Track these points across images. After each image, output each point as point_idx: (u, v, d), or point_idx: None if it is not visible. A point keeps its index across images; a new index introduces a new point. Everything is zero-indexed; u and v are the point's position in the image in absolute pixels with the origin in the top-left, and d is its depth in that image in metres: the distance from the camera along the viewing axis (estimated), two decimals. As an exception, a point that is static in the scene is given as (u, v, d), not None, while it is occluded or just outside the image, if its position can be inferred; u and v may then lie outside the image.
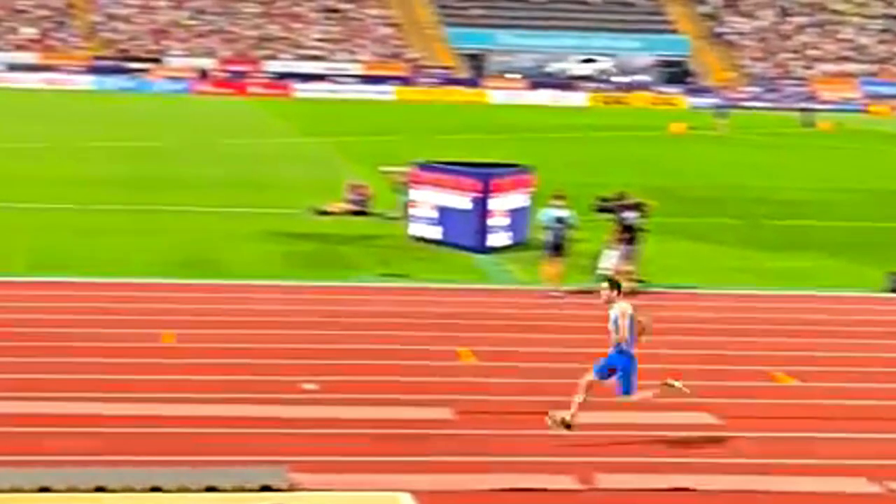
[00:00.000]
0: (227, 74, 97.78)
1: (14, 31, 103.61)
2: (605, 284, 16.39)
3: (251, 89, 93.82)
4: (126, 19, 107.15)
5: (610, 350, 16.01)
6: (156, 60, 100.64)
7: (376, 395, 17.94)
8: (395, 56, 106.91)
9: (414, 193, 31.41)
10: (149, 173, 43.10)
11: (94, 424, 16.26)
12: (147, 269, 26.56)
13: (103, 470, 14.29)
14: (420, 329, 22.14)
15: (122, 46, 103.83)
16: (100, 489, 13.74)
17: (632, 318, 15.86)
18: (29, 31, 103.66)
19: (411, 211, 31.52)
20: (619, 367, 15.90)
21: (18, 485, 13.74)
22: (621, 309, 15.90)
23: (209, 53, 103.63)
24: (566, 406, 15.98)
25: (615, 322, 15.85)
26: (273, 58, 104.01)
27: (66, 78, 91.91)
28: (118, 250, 28.70)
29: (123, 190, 38.52)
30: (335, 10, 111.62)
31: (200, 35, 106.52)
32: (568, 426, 15.90)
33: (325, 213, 34.82)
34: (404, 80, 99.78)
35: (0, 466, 14.36)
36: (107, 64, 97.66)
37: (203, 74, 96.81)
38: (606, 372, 15.96)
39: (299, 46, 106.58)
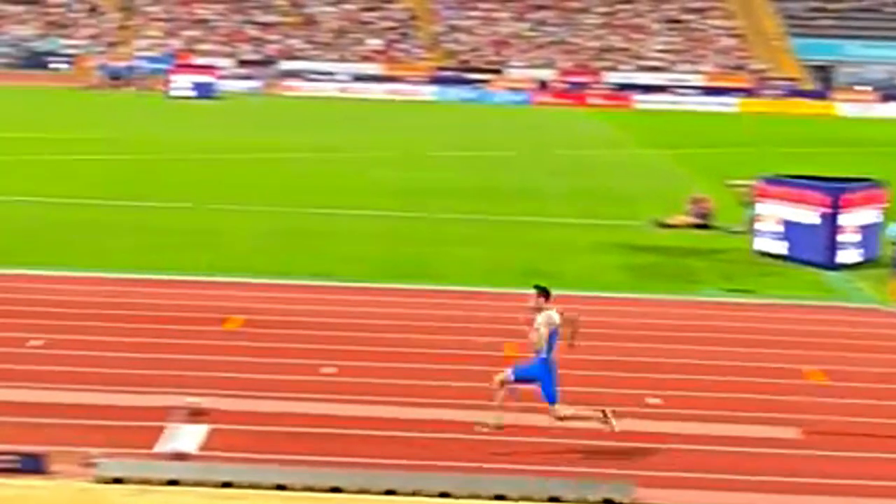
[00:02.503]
0: (567, 85, 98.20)
1: (360, 42, 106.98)
2: (534, 290, 15.95)
3: (591, 100, 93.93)
4: (468, 31, 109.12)
5: (532, 357, 15.77)
6: (496, 71, 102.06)
7: (719, 411, 17.59)
8: (739, 67, 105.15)
9: (760, 207, 30.78)
10: (490, 183, 43.59)
11: (401, 429, 16.50)
12: (486, 278, 26.83)
13: (418, 474, 14.55)
14: (766, 346, 21.59)
15: (463, 57, 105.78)
16: (416, 493, 13.96)
17: (556, 328, 15.62)
18: (374, 43, 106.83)
19: (756, 225, 30.86)
20: (538, 376, 15.66)
21: (311, 484, 14.09)
22: (547, 317, 15.66)
23: (549, 64, 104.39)
24: None
25: (537, 329, 15.61)
26: (613, 69, 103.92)
27: (410, 88, 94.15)
28: (464, 259, 29.11)
29: (465, 199, 39.07)
30: (677, 21, 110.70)
31: (541, 46, 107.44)
32: (500, 428, 15.82)
33: (666, 225, 34.43)
34: (748, 92, 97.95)
35: (296, 466, 14.71)
36: (449, 75, 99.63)
37: (543, 85, 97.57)
38: (524, 377, 15.78)
39: (640, 57, 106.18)
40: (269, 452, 15.30)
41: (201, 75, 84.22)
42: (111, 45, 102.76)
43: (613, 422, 15.90)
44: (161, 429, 15.84)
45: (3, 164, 42.86)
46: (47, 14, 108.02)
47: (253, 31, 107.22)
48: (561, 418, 15.93)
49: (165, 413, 16.25)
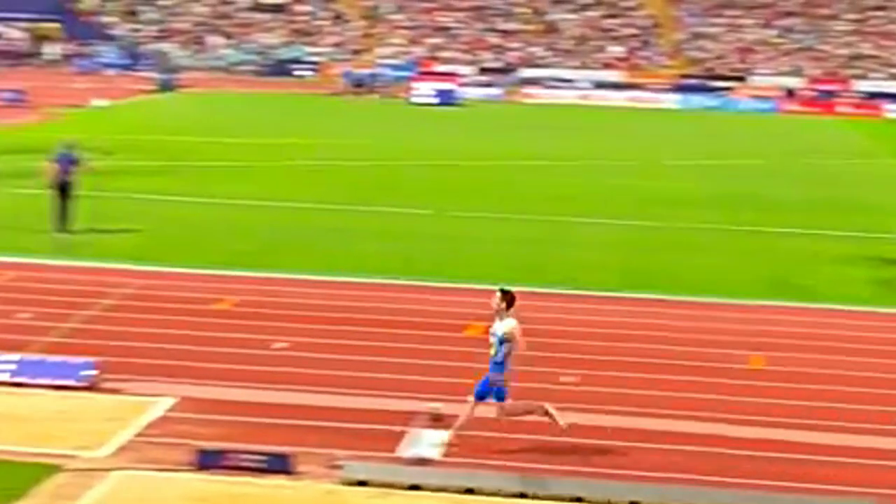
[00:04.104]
0: (815, 93, 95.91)
1: (601, 49, 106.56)
2: (498, 294, 15.35)
3: (839, 109, 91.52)
4: (713, 38, 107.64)
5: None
6: (740, 79, 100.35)
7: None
8: None
9: None
10: (735, 192, 42.81)
11: (680, 442, 16.25)
12: (734, 290, 26.31)
13: (688, 489, 14.18)
14: None
15: (707, 65, 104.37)
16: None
17: (511, 339, 15.14)
18: (616, 50, 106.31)
19: None
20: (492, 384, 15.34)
21: (556, 493, 14.03)
22: (507, 326, 15.17)
23: (796, 72, 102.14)
24: None
25: (495, 336, 15.19)
26: (863, 77, 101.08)
27: (651, 96, 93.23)
28: (706, 269, 28.66)
29: (706, 209, 38.46)
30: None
31: (788, 53, 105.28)
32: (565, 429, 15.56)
33: (919, 238, 33.27)
34: None
35: (589, 478, 14.55)
36: (691, 82, 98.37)
37: (790, 93, 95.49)
38: (483, 392, 15.44)
39: (891, 65, 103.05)
40: (511, 460, 15.23)
41: (443, 82, 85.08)
42: (355, 52, 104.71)
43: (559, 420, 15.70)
44: (403, 433, 15.92)
45: (253, 169, 44.02)
46: (293, 22, 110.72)
47: (494, 39, 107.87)
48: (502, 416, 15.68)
49: (407, 417, 16.33)
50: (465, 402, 15.76)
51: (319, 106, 77.73)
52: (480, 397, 15.60)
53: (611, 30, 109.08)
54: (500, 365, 15.46)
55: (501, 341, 15.35)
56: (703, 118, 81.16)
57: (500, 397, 15.60)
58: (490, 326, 15.65)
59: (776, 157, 55.91)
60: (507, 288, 15.77)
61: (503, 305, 15.47)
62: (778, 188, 44.46)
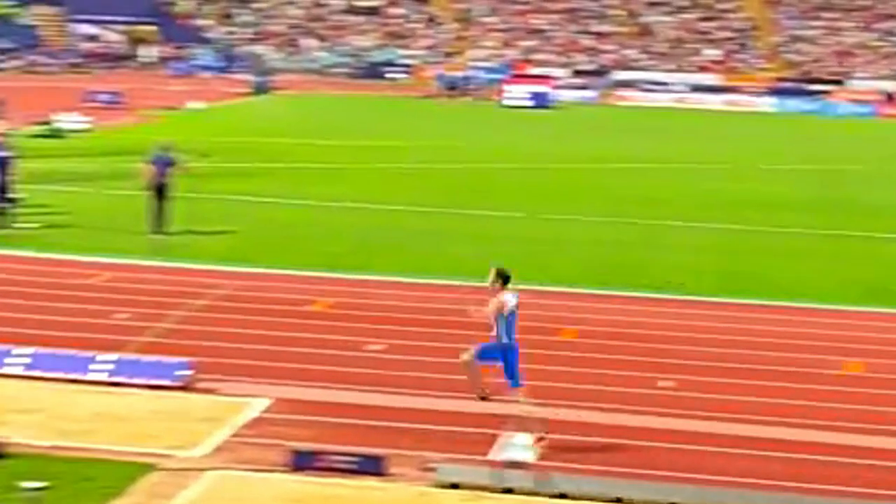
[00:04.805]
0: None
1: (697, 52, 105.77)
2: (493, 272, 15.80)
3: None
4: (811, 41, 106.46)
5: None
6: (838, 82, 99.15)
7: None
8: None
9: None
10: (831, 197, 42.28)
11: (774, 449, 16.10)
12: (830, 295, 25.97)
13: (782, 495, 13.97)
14: None
15: (805, 68, 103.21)
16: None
17: (513, 312, 15.58)
18: (712, 53, 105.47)
19: None
20: (500, 358, 15.62)
21: (652, 499, 13.89)
22: (497, 301, 15.56)
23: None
24: None
25: (496, 313, 15.56)
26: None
27: (747, 99, 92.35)
28: (802, 274, 28.32)
29: (801, 213, 37.99)
30: None
31: (887, 56, 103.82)
32: (484, 398, 16.04)
33: None
34: None
35: (636, 479, 14.42)
36: (788, 86, 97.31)
37: (889, 97, 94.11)
38: (487, 356, 15.77)
39: None
40: (605, 464, 15.13)
41: (536, 85, 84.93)
42: (447, 55, 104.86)
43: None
44: (495, 436, 15.86)
45: (346, 171, 44.18)
46: (386, 25, 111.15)
47: (588, 42, 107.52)
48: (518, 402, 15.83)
49: (500, 421, 16.27)
50: (537, 405, 15.90)
51: (412, 108, 77.94)
52: (514, 382, 15.81)
53: (707, 32, 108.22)
54: (504, 342, 15.74)
55: (498, 318, 15.69)
56: (800, 122, 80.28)
57: (514, 382, 15.77)
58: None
59: (874, 162, 55.13)
60: (502, 269, 16.10)
61: (498, 284, 15.82)
62: (875, 193, 43.83)
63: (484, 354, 15.92)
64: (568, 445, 15.76)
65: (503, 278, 15.85)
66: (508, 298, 15.74)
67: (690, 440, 16.30)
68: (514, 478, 14.31)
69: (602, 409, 17.47)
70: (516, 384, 15.78)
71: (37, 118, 52.22)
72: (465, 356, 15.97)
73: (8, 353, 18.22)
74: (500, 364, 15.82)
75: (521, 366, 15.73)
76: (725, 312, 24.18)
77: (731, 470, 15.16)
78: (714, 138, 65.96)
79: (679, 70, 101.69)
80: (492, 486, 14.15)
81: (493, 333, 15.75)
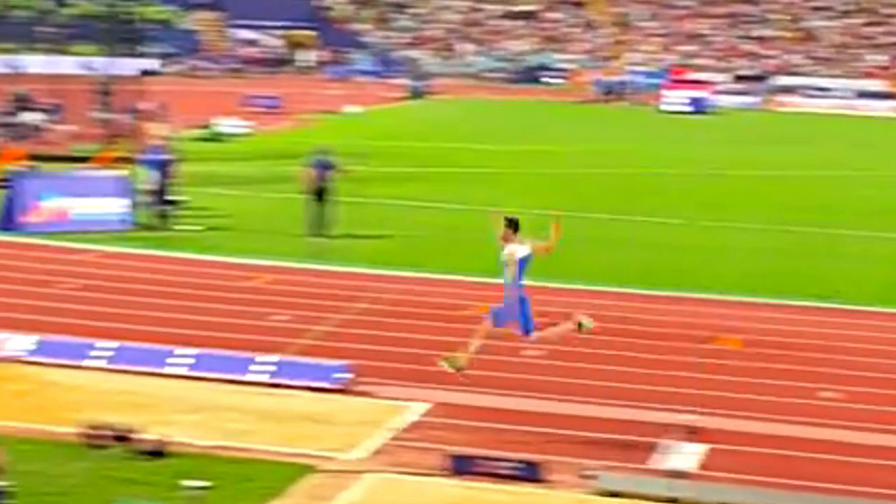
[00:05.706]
0: None
1: (861, 57, 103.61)
2: (504, 220, 15.74)
3: None
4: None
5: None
6: None
7: None
8: None
9: None
10: None
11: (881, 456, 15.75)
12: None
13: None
14: None
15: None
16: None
17: (524, 260, 15.59)
18: (877, 58, 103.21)
19: None
20: (519, 313, 15.61)
21: None
22: (509, 250, 15.61)
23: None
24: None
25: (504, 262, 15.57)
26: None
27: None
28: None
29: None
30: None
31: None
32: (460, 369, 15.93)
33: None
34: None
35: (797, 491, 14.08)
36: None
37: None
38: (506, 318, 15.72)
39: None
40: (765, 475, 14.80)
41: (695, 90, 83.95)
42: (605, 59, 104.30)
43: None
44: (655, 445, 15.61)
45: (502, 175, 44.12)
46: (543, 29, 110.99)
47: (749, 46, 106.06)
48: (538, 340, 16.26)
49: (660, 429, 16.02)
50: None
51: (569, 113, 77.63)
52: (526, 332, 15.87)
53: (871, 37, 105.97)
54: (512, 285, 15.78)
55: (507, 263, 15.79)
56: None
57: (527, 330, 15.83)
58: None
59: None
60: (508, 216, 16.06)
61: (509, 232, 15.84)
62: None
63: (500, 317, 15.95)
64: (730, 455, 15.46)
65: (513, 226, 15.91)
66: (520, 248, 15.78)
67: (859, 453, 15.88)
68: (679, 487, 14.03)
69: (762, 419, 17.10)
70: (528, 332, 15.88)
71: (197, 122, 53.13)
72: (486, 325, 15.99)
73: (171, 354, 18.50)
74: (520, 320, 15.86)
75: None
76: (893, 323, 23.59)
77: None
78: (878, 145, 64.53)
79: (843, 76, 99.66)
80: (654, 496, 13.90)
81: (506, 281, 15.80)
